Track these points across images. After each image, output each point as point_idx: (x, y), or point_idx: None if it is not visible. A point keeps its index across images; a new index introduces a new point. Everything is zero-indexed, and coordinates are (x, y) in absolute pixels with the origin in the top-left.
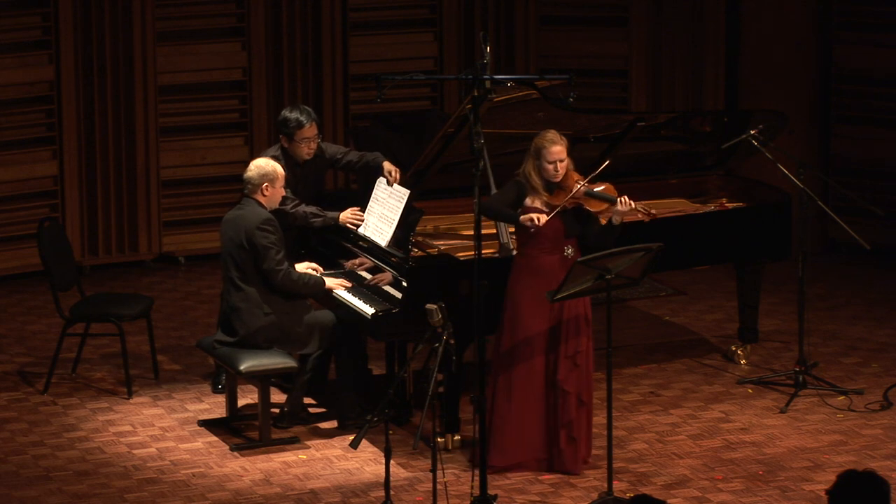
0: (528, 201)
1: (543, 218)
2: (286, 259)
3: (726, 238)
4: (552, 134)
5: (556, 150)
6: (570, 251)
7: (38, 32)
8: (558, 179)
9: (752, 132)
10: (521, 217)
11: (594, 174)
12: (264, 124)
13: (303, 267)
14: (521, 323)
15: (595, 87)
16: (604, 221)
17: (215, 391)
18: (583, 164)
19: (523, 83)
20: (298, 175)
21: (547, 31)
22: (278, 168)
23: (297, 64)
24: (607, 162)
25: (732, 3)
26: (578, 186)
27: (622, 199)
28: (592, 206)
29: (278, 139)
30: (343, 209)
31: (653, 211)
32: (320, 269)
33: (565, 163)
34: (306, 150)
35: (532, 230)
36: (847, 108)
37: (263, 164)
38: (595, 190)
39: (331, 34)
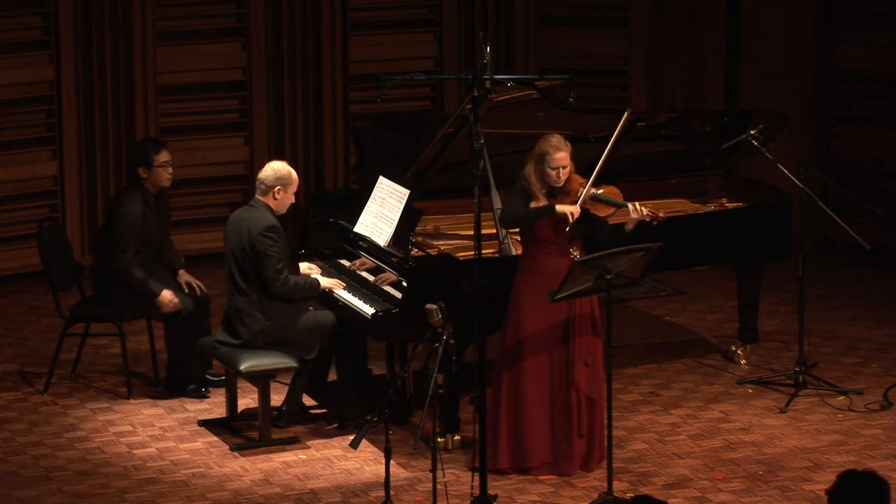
0: (532, 204)
1: (577, 211)
2: (287, 267)
3: (726, 238)
4: (556, 139)
5: (560, 156)
6: (575, 254)
7: (38, 32)
8: (560, 185)
9: (752, 132)
10: (558, 208)
11: (594, 176)
12: (264, 124)
13: (303, 267)
14: (525, 325)
15: (595, 87)
16: (611, 222)
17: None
18: (582, 164)
19: (523, 83)
20: (152, 207)
21: (547, 31)
22: (294, 174)
23: (297, 64)
24: (602, 161)
25: (732, 3)
26: (583, 191)
27: (633, 205)
28: (600, 211)
29: (138, 174)
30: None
31: (661, 214)
32: (317, 268)
33: (567, 169)
34: (166, 175)
35: (567, 227)
36: (847, 108)
37: (280, 167)
38: (602, 194)
39: (331, 34)
